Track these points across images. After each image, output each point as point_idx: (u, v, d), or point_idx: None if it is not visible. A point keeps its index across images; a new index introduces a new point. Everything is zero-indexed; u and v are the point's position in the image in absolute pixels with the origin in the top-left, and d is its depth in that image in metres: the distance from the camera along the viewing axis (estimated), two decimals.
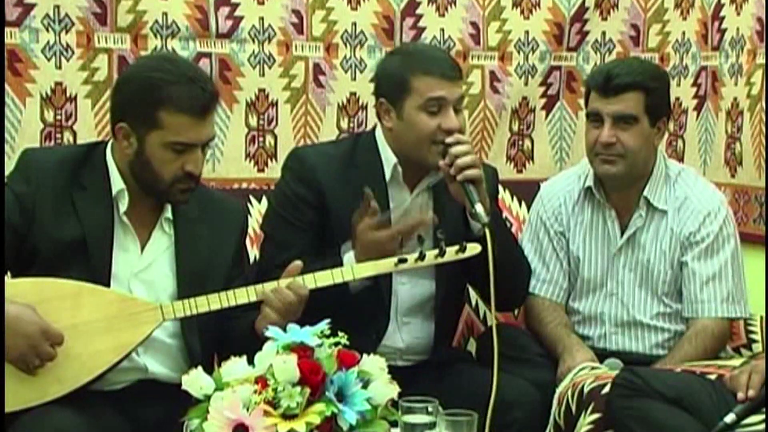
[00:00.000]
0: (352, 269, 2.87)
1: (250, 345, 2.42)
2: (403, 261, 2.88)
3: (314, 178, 3.12)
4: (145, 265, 2.84)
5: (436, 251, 2.87)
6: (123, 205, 2.81)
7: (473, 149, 3.09)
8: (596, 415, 2.98)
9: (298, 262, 2.83)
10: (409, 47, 3.56)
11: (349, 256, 3.00)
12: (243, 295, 2.79)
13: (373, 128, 3.24)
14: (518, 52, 4.04)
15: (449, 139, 3.02)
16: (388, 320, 3.15)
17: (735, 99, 4.16)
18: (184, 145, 2.74)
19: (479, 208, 2.94)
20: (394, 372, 2.43)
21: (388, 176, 3.14)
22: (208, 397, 2.32)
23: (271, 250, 3.15)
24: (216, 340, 2.89)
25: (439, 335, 3.22)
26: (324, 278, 2.84)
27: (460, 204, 3.06)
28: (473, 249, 2.90)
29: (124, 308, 2.73)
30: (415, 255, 2.87)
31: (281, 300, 2.77)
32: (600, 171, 3.35)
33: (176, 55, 3.31)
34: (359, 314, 2.87)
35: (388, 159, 3.14)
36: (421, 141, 3.05)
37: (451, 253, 2.89)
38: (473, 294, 3.58)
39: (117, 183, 2.81)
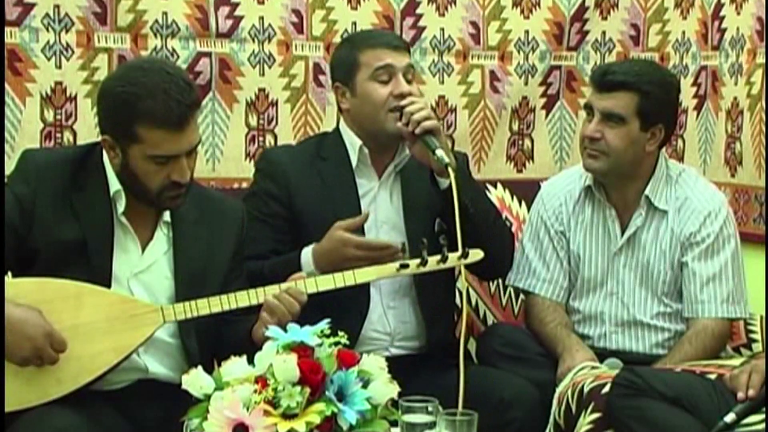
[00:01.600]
0: (354, 274, 2.88)
1: (246, 351, 2.42)
2: (405, 266, 2.90)
3: (281, 172, 3.20)
4: (145, 266, 2.84)
5: (438, 257, 2.90)
6: (121, 206, 2.81)
7: (427, 105, 3.17)
8: (596, 415, 2.98)
9: (302, 273, 2.87)
10: (353, 33, 3.67)
11: (306, 250, 3.06)
12: (244, 298, 2.79)
13: (338, 124, 3.32)
14: (518, 52, 4.05)
15: (403, 102, 3.10)
16: (368, 298, 3.15)
17: (735, 98, 4.16)
18: (166, 157, 2.72)
19: (440, 152, 3.01)
20: (390, 364, 2.43)
21: (354, 162, 3.20)
22: (208, 397, 2.32)
23: (255, 251, 3.15)
24: (214, 341, 2.89)
25: (429, 319, 3.21)
26: (325, 282, 2.86)
27: (426, 165, 3.10)
28: (476, 255, 2.92)
29: (125, 310, 2.73)
30: (417, 261, 2.89)
31: (281, 305, 2.78)
32: (585, 165, 3.37)
33: (154, 62, 3.21)
34: (343, 300, 2.90)
35: (354, 144, 3.21)
36: (377, 110, 3.14)
37: (453, 259, 2.91)
38: (473, 294, 3.58)
39: (114, 184, 2.81)
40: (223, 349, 2.78)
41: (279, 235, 3.18)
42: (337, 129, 3.30)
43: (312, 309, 2.74)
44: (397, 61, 3.15)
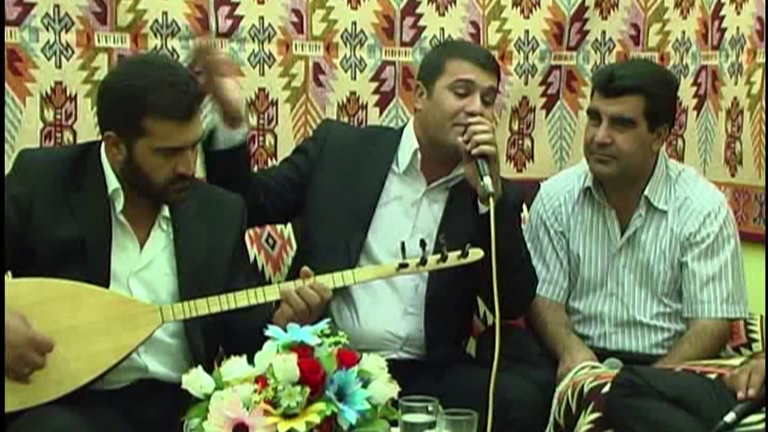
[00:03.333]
0: (353, 274, 2.88)
1: (259, 341, 2.41)
2: (404, 266, 2.89)
3: (326, 141, 3.27)
4: (144, 264, 2.84)
5: (438, 256, 2.88)
6: (119, 205, 2.81)
7: (494, 132, 3.13)
8: (596, 415, 2.98)
9: (306, 268, 2.85)
10: (454, 40, 3.78)
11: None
12: (243, 299, 2.79)
13: (406, 123, 3.34)
14: (518, 52, 4.04)
15: (471, 119, 3.08)
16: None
17: (735, 98, 4.16)
18: (173, 149, 2.73)
19: (487, 180, 2.99)
20: (394, 366, 2.43)
21: (404, 164, 3.21)
22: (208, 397, 2.32)
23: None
24: (219, 337, 2.89)
25: (432, 332, 3.21)
26: (324, 282, 2.84)
27: (473, 188, 3.08)
28: (475, 254, 2.91)
29: (124, 310, 2.73)
30: (416, 260, 2.88)
31: (304, 300, 2.78)
32: (594, 170, 3.36)
33: (156, 57, 3.28)
34: None
35: (410, 146, 3.21)
36: (444, 119, 3.13)
37: (453, 258, 2.90)
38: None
39: (112, 183, 2.81)
40: (232, 341, 2.78)
41: (286, 182, 3.24)
42: (401, 128, 3.31)
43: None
44: (480, 79, 3.13)
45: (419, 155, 3.20)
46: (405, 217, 3.20)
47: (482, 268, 2.89)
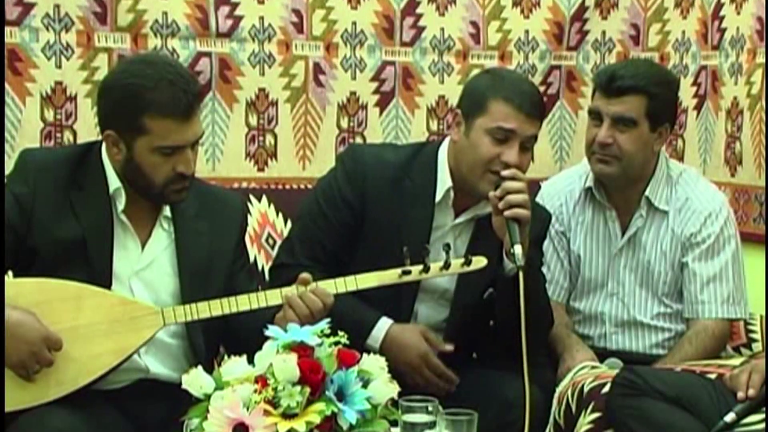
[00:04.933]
0: (355, 280, 2.83)
1: (261, 341, 2.40)
2: (407, 273, 2.85)
3: (363, 180, 3.09)
4: (146, 264, 2.84)
5: (441, 263, 2.84)
6: (120, 204, 2.81)
7: (528, 190, 2.99)
8: (596, 415, 2.98)
9: (306, 274, 2.80)
10: (503, 72, 3.40)
11: (383, 324, 3.03)
12: (245, 302, 2.78)
13: (440, 141, 3.19)
14: (518, 52, 4.04)
15: (505, 172, 2.95)
16: (412, 315, 3.13)
17: (735, 98, 4.15)
18: (173, 148, 2.73)
19: (518, 249, 2.86)
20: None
21: (438, 198, 3.10)
22: (208, 397, 2.32)
23: (298, 234, 3.15)
24: (220, 338, 2.90)
25: (449, 362, 3.12)
26: (326, 287, 2.81)
27: (499, 240, 3.00)
28: (478, 262, 2.88)
29: (126, 312, 2.72)
30: (420, 267, 2.84)
31: (307, 305, 2.75)
32: (595, 170, 3.36)
33: (156, 56, 3.28)
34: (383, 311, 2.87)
35: (444, 181, 3.09)
36: (477, 164, 3.00)
37: (456, 265, 2.86)
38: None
39: (113, 182, 2.81)
40: (233, 341, 2.77)
41: (337, 239, 3.09)
42: (435, 150, 3.15)
43: None
44: (522, 129, 2.98)
45: (452, 194, 3.10)
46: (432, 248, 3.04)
47: (500, 307, 2.91)
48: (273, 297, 2.79)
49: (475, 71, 3.98)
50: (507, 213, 2.92)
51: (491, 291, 3.09)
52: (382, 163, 3.13)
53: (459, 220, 3.12)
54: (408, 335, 3.03)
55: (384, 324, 3.04)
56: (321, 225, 3.11)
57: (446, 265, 2.85)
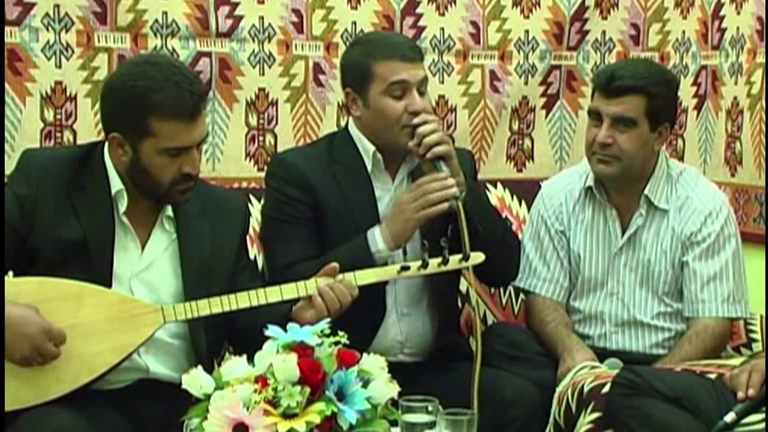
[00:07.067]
0: (354, 276, 2.86)
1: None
2: (405, 269, 2.89)
3: (302, 177, 3.15)
4: (146, 265, 2.84)
5: (440, 259, 2.89)
6: (122, 205, 2.81)
7: (440, 126, 3.14)
8: (596, 414, 2.98)
9: (335, 264, 2.84)
10: (368, 36, 3.58)
11: (373, 231, 3.05)
12: (245, 299, 2.79)
13: (346, 125, 3.27)
14: (518, 52, 4.05)
15: (416, 120, 3.06)
16: (384, 313, 3.15)
17: (735, 98, 4.16)
18: (179, 149, 2.73)
19: (451, 182, 2.99)
20: (395, 369, 2.43)
21: (369, 167, 3.18)
22: (208, 396, 2.32)
23: (277, 251, 3.17)
24: (223, 337, 2.90)
25: (440, 325, 3.22)
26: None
27: None
28: (477, 258, 2.92)
29: (126, 310, 2.73)
30: (418, 263, 2.88)
31: (337, 297, 2.79)
32: (596, 170, 3.36)
33: (159, 56, 3.26)
34: (357, 308, 2.87)
35: (367, 149, 3.18)
36: (389, 125, 3.10)
37: (455, 261, 2.91)
38: (472, 294, 3.57)
39: (116, 183, 2.81)
40: (245, 337, 2.77)
41: (310, 236, 3.14)
42: (346, 131, 3.25)
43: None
44: (411, 75, 3.08)
45: (379, 156, 3.17)
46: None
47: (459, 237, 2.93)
48: (272, 294, 2.80)
49: (476, 71, 3.99)
50: (428, 155, 3.04)
51: (453, 227, 3.10)
52: (308, 158, 3.21)
53: (396, 181, 3.20)
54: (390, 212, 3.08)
55: (373, 230, 3.07)
56: (290, 231, 3.15)
57: (444, 261, 2.90)
